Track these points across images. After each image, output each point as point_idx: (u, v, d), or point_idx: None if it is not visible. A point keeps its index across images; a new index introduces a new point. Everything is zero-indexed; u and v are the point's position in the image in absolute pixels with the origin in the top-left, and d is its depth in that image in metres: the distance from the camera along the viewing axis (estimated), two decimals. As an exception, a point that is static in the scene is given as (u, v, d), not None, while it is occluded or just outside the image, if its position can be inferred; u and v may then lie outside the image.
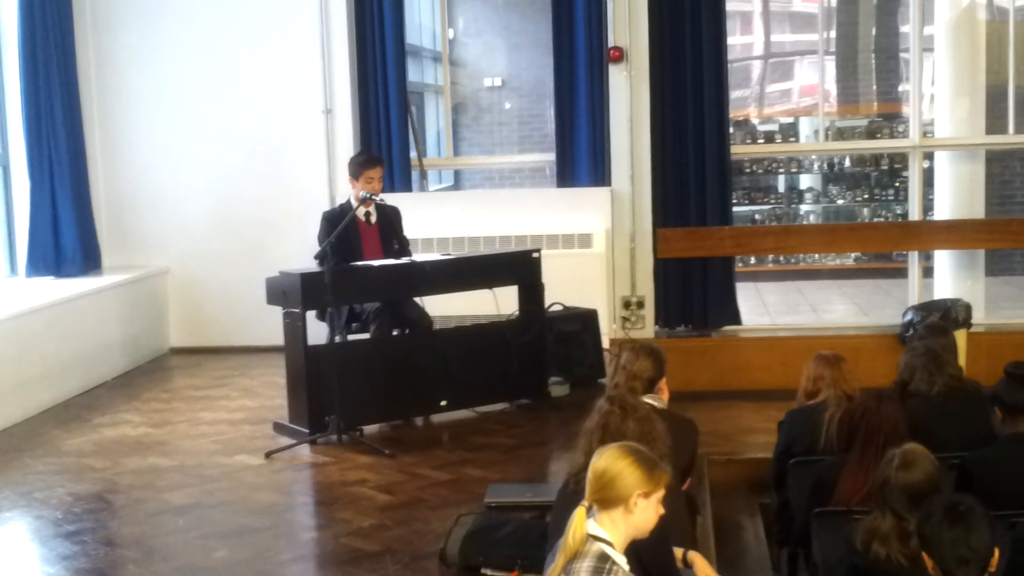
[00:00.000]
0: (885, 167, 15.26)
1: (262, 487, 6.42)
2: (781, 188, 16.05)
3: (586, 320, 8.57)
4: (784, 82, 16.96)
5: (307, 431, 7.09)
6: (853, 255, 14.88)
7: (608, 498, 3.46)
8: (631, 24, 9.24)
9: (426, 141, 16.66)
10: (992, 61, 10.35)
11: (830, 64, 15.92)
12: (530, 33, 15.80)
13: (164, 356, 9.98)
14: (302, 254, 8.20)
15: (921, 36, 9.70)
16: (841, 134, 15.21)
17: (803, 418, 5.54)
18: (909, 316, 8.86)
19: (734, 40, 15.59)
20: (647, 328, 9.43)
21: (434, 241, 9.16)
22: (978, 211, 10.02)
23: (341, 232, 7.29)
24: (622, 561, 3.43)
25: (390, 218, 7.89)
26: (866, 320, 11.65)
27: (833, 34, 15.92)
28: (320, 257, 7.08)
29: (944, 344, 6.04)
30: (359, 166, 7.76)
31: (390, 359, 7.48)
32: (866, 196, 15.36)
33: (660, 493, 3.51)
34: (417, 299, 7.75)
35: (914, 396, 5.49)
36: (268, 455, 6.91)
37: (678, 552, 4.14)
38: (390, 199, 8.05)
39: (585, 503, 3.48)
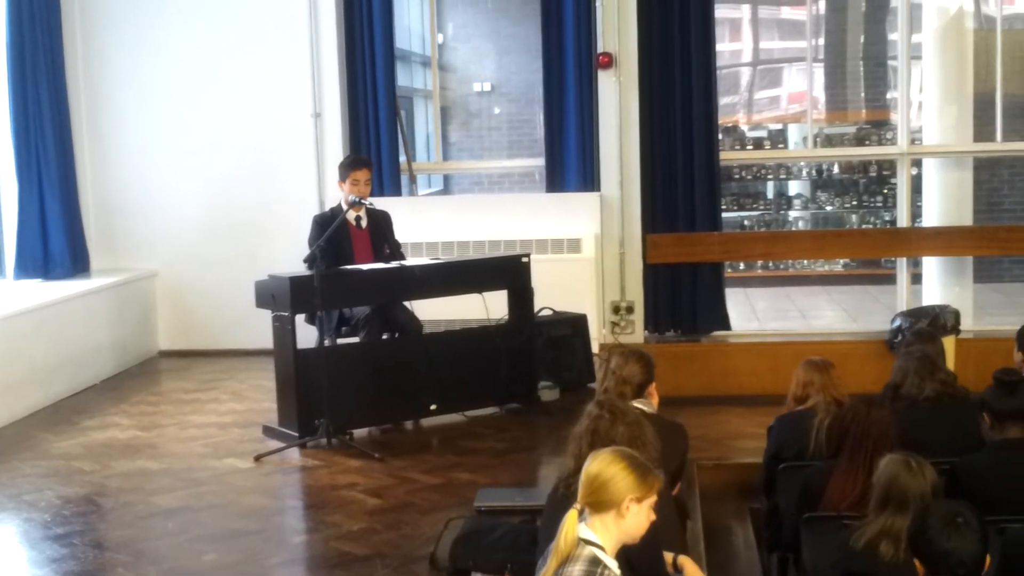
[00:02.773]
0: (873, 174, 15.29)
1: (251, 490, 6.41)
2: (770, 194, 16.07)
3: (576, 325, 8.58)
4: (773, 89, 16.99)
5: (296, 435, 7.08)
6: (842, 261, 14.88)
7: (600, 502, 3.47)
8: (620, 30, 9.26)
9: (415, 145, 16.65)
10: (980, 69, 10.40)
11: (818, 71, 15.96)
12: (520, 38, 15.82)
13: (153, 359, 9.96)
14: (291, 257, 8.20)
15: (909, 44, 9.74)
16: (830, 141, 15.23)
17: (792, 423, 5.55)
18: (898, 322, 8.89)
19: (723, 47, 15.62)
20: (636, 333, 9.44)
21: (423, 245, 9.14)
22: (966, 218, 10.05)
23: (331, 236, 7.30)
24: (613, 565, 3.44)
25: (381, 223, 7.89)
26: (855, 326, 11.68)
27: (822, 41, 15.96)
28: (309, 260, 7.08)
29: (932, 350, 6.06)
30: (346, 168, 7.79)
31: (380, 363, 7.48)
32: (855, 203, 15.39)
33: (652, 499, 3.52)
34: (406, 303, 7.75)
35: (904, 400, 5.51)
36: (257, 458, 6.91)
37: (668, 556, 4.14)
38: (379, 203, 8.06)
39: (577, 506, 3.49)
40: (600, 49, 9.33)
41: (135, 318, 9.78)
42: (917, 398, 5.49)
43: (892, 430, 4.71)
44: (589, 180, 9.53)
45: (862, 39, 16.27)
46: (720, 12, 11.94)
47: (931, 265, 10.05)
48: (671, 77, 9.32)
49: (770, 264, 14.98)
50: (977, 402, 5.11)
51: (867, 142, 14.41)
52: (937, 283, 9.97)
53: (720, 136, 10.02)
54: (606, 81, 9.36)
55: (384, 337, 7.74)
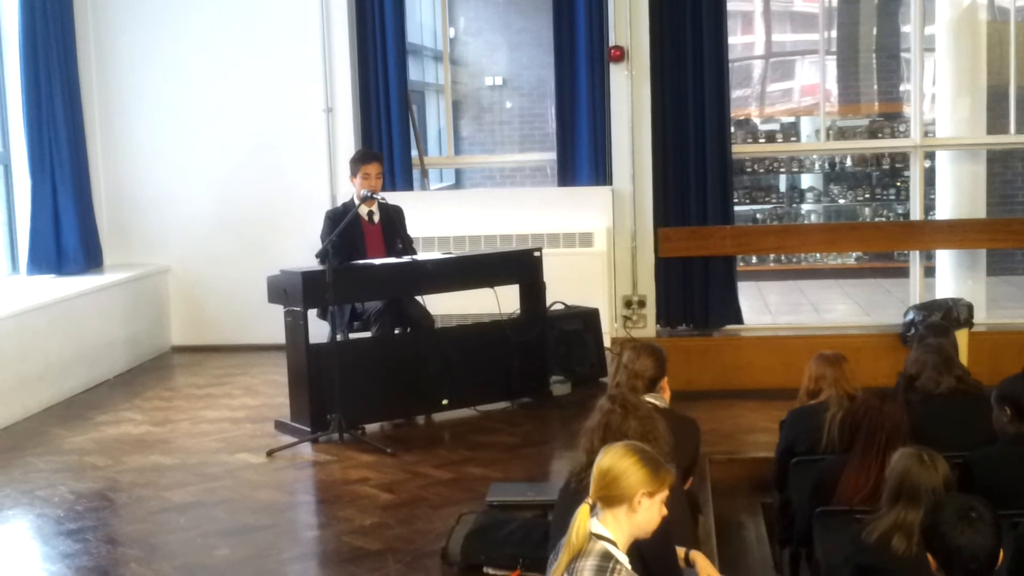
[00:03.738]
0: (886, 167, 15.26)
1: (264, 485, 6.42)
2: (782, 187, 16.05)
3: (588, 319, 8.57)
4: (785, 81, 16.95)
5: (309, 429, 7.09)
6: (854, 255, 14.88)
7: (612, 496, 3.47)
8: (632, 23, 9.24)
9: (427, 140, 16.65)
10: (993, 61, 10.36)
11: (831, 64, 15.92)
12: (531, 32, 15.81)
13: (166, 354, 9.98)
14: (303, 252, 8.21)
15: (922, 36, 9.70)
16: (842, 134, 15.21)
17: (805, 418, 5.54)
18: (910, 316, 8.86)
19: (735, 39, 15.60)
20: (648, 327, 9.43)
21: (435, 240, 9.16)
22: (979, 211, 10.02)
23: (344, 231, 7.29)
24: (625, 560, 3.43)
25: (393, 218, 7.89)
26: (867, 320, 11.65)
27: (834, 34, 15.93)
28: (321, 256, 7.09)
29: (947, 343, 6.04)
30: (356, 163, 7.79)
31: (392, 358, 7.49)
32: (867, 196, 15.36)
33: (664, 493, 3.52)
34: (419, 298, 7.75)
35: (918, 393, 5.49)
36: (270, 453, 6.91)
37: (680, 551, 4.14)
38: (391, 198, 8.06)
39: (589, 501, 3.49)
40: (612, 42, 9.31)
41: (148, 313, 9.80)
42: (932, 392, 5.48)
43: (905, 424, 4.70)
44: (601, 174, 9.52)
45: (875, 31, 16.23)
46: (732, 5, 11.93)
47: (944, 258, 10.01)
48: (683, 70, 9.30)
49: (782, 258, 14.95)
50: (992, 396, 5.05)
51: (880, 135, 14.41)
52: (950, 276, 9.93)
53: (732, 129, 9.99)
54: (618, 75, 9.34)
55: (396, 332, 7.73)
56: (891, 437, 4.59)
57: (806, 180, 16.10)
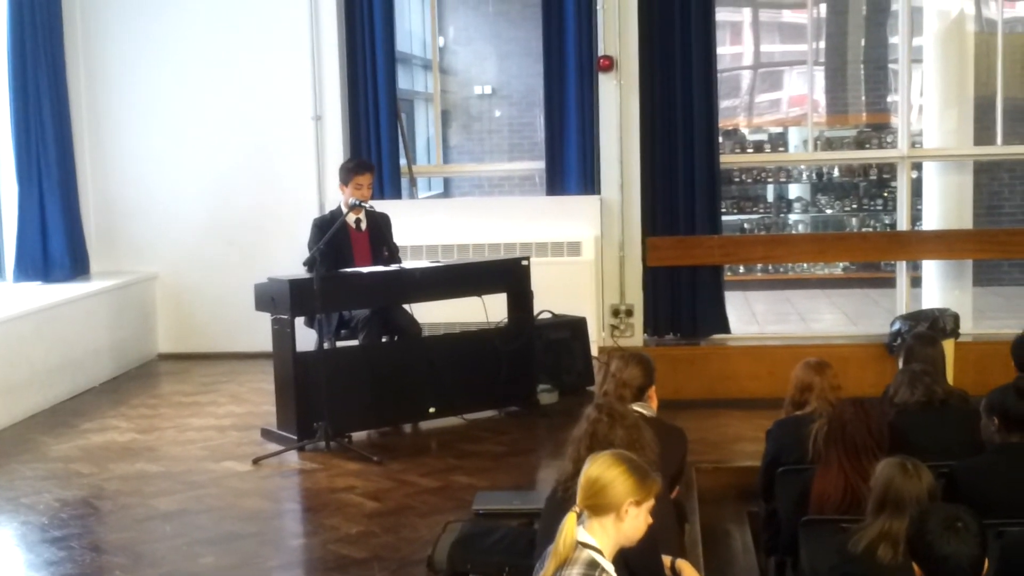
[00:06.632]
0: (874, 177, 15.29)
1: (250, 493, 6.41)
2: (770, 197, 16.06)
3: (575, 328, 8.58)
4: (773, 92, 16.99)
5: (295, 438, 7.08)
6: (841, 265, 14.90)
7: (599, 505, 3.47)
8: (621, 33, 9.26)
9: (416, 148, 16.65)
10: (980, 72, 10.39)
11: (819, 74, 15.95)
12: (520, 41, 15.83)
13: (152, 362, 9.96)
14: (291, 260, 8.21)
15: (910, 47, 9.73)
16: (830, 144, 15.24)
17: (791, 428, 5.53)
18: (897, 326, 8.87)
19: (724, 50, 15.62)
20: (636, 336, 9.43)
21: (423, 248, 9.14)
22: (966, 221, 10.04)
23: (331, 238, 7.29)
24: (611, 569, 3.43)
25: (380, 225, 7.89)
26: (854, 329, 11.67)
27: (822, 44, 15.96)
28: (309, 263, 7.08)
29: (932, 354, 6.05)
30: (349, 172, 7.77)
31: (379, 366, 7.48)
32: (855, 206, 15.39)
33: (651, 502, 3.52)
34: (406, 306, 7.75)
35: (896, 407, 5.50)
36: (256, 461, 6.90)
37: (666, 560, 4.13)
38: (379, 206, 8.06)
39: (576, 509, 3.49)
40: (601, 52, 9.33)
41: (134, 321, 9.78)
42: (908, 402, 5.49)
43: (877, 429, 4.70)
44: (589, 183, 9.53)
45: (863, 42, 16.26)
46: (721, 15, 11.93)
47: (931, 268, 10.03)
48: (672, 80, 9.32)
49: (770, 267, 14.98)
50: (981, 406, 5.04)
51: (867, 145, 14.43)
52: (937, 286, 9.95)
53: (720, 139, 10.01)
54: (607, 84, 9.36)
55: (383, 340, 7.74)
56: (866, 443, 4.61)
57: (794, 190, 16.14)
